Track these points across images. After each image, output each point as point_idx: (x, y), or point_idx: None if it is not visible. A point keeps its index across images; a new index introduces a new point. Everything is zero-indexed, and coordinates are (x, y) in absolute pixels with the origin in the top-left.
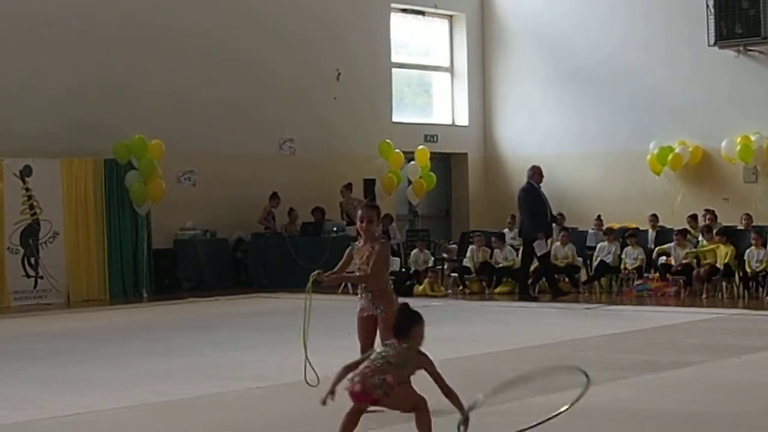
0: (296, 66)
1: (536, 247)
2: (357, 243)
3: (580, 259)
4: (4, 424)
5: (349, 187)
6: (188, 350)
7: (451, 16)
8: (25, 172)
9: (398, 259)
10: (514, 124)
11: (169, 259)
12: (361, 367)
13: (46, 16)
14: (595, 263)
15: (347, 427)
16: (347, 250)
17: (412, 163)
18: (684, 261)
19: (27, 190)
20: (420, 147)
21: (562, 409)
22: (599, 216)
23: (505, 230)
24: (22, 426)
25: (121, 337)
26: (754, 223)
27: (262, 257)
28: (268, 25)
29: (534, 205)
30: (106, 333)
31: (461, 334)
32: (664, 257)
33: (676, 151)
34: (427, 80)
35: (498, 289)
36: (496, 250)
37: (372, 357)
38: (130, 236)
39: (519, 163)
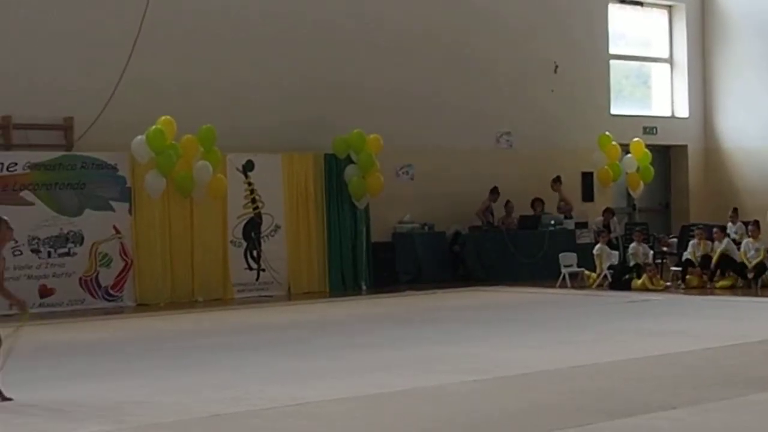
0: (513, 59)
1: None
2: None
3: None
4: (227, 413)
5: (558, 180)
6: (406, 342)
7: (670, 7)
8: (248, 167)
9: (617, 252)
10: (735, 116)
11: (388, 253)
12: None
13: (271, 16)
14: None
15: None
16: None
17: (629, 155)
18: None
19: (249, 184)
20: (636, 139)
21: None
22: None
23: (728, 224)
24: (245, 415)
25: (341, 329)
26: None
27: (480, 251)
28: (485, 18)
29: None
30: (325, 325)
31: (682, 329)
32: None
33: None
34: (646, 72)
35: (720, 283)
36: (717, 243)
37: None
38: (349, 230)
39: (741, 155)
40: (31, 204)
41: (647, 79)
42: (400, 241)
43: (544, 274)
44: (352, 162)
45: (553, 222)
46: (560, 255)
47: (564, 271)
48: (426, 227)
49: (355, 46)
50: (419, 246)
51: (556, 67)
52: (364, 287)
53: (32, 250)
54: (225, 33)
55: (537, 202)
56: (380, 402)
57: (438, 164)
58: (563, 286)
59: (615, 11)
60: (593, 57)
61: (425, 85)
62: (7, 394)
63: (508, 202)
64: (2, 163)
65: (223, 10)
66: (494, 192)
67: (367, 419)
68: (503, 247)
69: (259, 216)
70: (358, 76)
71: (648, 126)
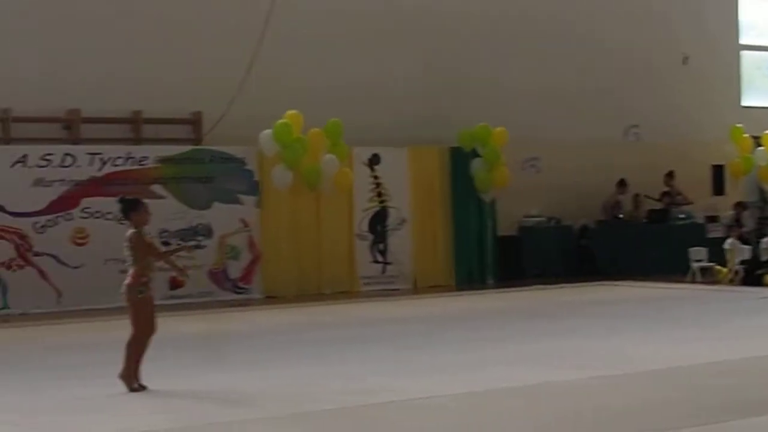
0: (642, 50)
1: None
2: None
3: None
4: (355, 405)
5: (671, 174)
6: (533, 337)
7: None
8: (374, 161)
9: (749, 247)
10: None
11: (514, 246)
12: None
13: (398, 10)
14: None
15: None
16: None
17: (760, 148)
18: None
19: (375, 177)
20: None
21: None
22: None
23: None
24: (375, 408)
25: (467, 322)
26: None
27: (608, 244)
28: (614, 9)
29: None
30: (451, 319)
31: None
32: None
33: None
34: None
35: None
36: None
37: None
38: (475, 223)
39: None
40: (161, 197)
41: None
42: (526, 235)
43: (674, 269)
44: (477, 155)
45: (682, 215)
46: (690, 249)
47: (694, 265)
48: (553, 221)
49: (481, 39)
50: (546, 240)
51: (686, 58)
52: (490, 281)
53: (162, 243)
54: (351, 27)
55: (666, 196)
56: (506, 396)
57: (565, 157)
58: (693, 281)
59: (746, 1)
60: (724, 48)
61: (552, 77)
62: (143, 383)
63: (636, 195)
64: (133, 157)
65: (349, 4)
66: (622, 185)
67: (493, 413)
68: (631, 241)
69: (385, 209)
70: (483, 69)
71: None
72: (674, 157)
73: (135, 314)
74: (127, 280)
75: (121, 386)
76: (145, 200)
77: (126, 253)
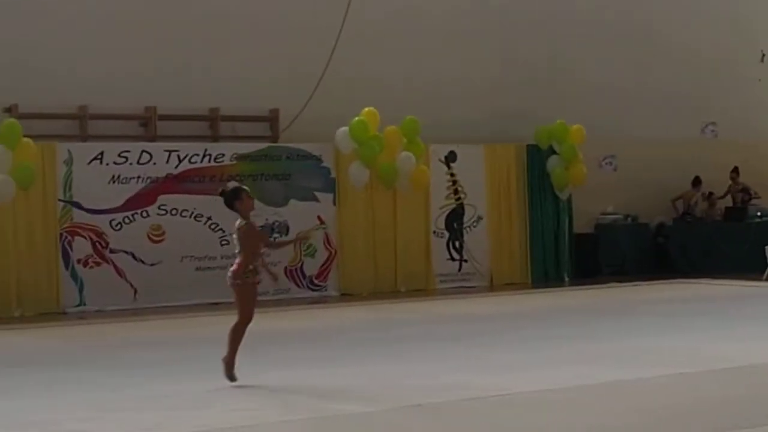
0: (719, 47)
1: None
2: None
3: None
4: (434, 402)
5: (736, 170)
6: (609, 334)
7: None
8: (450, 158)
9: None
10: None
11: (591, 244)
12: None
13: (473, 7)
14: None
15: None
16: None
17: None
18: None
19: (452, 175)
20: None
21: None
22: None
23: None
24: (452, 405)
25: (543, 320)
26: None
27: (684, 242)
28: (691, 5)
29: None
30: (527, 316)
31: None
32: None
33: None
34: None
35: None
36: None
37: None
38: (551, 221)
39: None
40: None
41: None
42: (603, 233)
43: (751, 267)
44: (554, 153)
45: (759, 213)
46: (767, 247)
47: None
48: (629, 218)
49: (558, 34)
50: (623, 237)
51: (764, 55)
52: (566, 279)
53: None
54: (427, 24)
55: (744, 192)
56: (581, 394)
57: (641, 154)
58: None
59: None
60: None
61: (628, 74)
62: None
63: (711, 193)
64: (210, 155)
65: (426, 1)
66: (696, 182)
67: (568, 411)
68: (708, 239)
69: (461, 207)
70: (560, 66)
71: None
72: (751, 154)
73: (239, 299)
74: (233, 267)
75: (204, 381)
76: (245, 186)
77: (235, 243)
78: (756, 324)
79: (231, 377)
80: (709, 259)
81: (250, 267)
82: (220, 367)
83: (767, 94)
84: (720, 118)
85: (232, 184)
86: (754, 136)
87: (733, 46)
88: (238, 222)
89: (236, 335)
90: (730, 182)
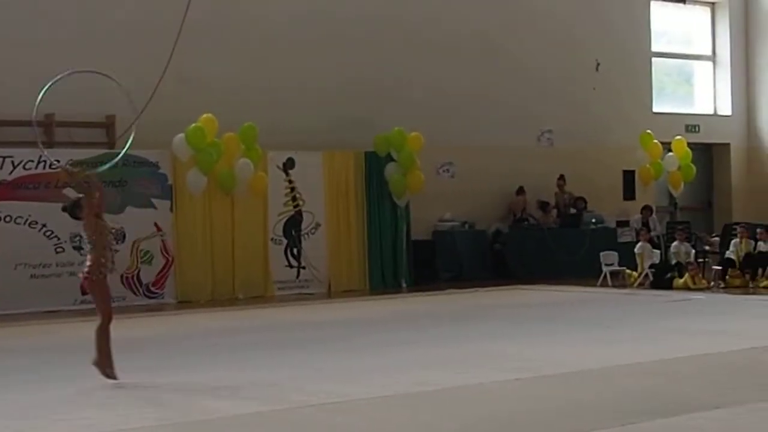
0: (555, 56)
1: None
2: None
3: None
4: (268, 410)
5: (562, 178)
6: (447, 340)
7: (713, 4)
8: (289, 165)
9: (658, 251)
10: None
11: (428, 251)
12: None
13: (311, 15)
14: None
15: None
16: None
17: (670, 153)
18: None
19: (290, 182)
20: (679, 137)
21: None
22: None
23: None
24: (285, 413)
25: (381, 326)
26: None
27: (521, 249)
28: (527, 15)
29: None
30: (366, 323)
31: (724, 328)
32: None
33: None
34: (688, 69)
35: (764, 283)
36: (760, 242)
37: None
38: (389, 227)
39: None
40: None
41: (690, 76)
42: (440, 239)
43: (586, 273)
44: (392, 160)
45: (594, 220)
46: (601, 253)
47: (605, 269)
48: (467, 225)
49: (396, 44)
50: (460, 244)
51: (598, 64)
52: (404, 285)
53: (74, 247)
54: (266, 31)
55: (579, 201)
56: (420, 400)
57: (479, 162)
58: (604, 284)
59: (657, 8)
60: (635, 54)
61: (466, 83)
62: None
63: (545, 202)
64: (45, 161)
65: (264, 8)
66: (521, 191)
67: (407, 417)
68: (544, 245)
69: (299, 214)
70: (399, 75)
71: (690, 124)
72: (586, 162)
73: (98, 296)
74: (88, 263)
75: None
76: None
77: (85, 242)
78: (591, 329)
79: (110, 375)
80: (546, 265)
81: (102, 260)
82: (93, 371)
83: (602, 103)
84: (556, 126)
85: (68, 200)
86: (588, 144)
87: (570, 55)
88: (84, 222)
89: (102, 335)
90: (556, 190)
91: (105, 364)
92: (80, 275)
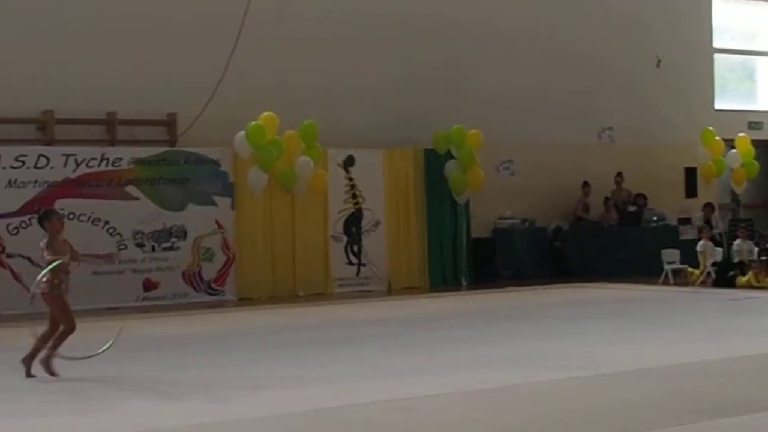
0: (617, 53)
1: None
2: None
3: None
4: (328, 407)
5: (620, 175)
6: (505, 338)
7: None
8: (349, 163)
9: (721, 249)
10: None
11: (488, 248)
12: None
13: (373, 12)
14: None
15: None
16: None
17: (733, 150)
18: None
19: (350, 179)
20: (741, 134)
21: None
22: None
23: None
24: (346, 410)
25: (440, 324)
26: None
27: (581, 246)
28: (588, 11)
29: None
30: (424, 320)
31: None
32: None
33: None
34: (751, 65)
35: None
36: None
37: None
38: (449, 225)
39: None
40: (136, 199)
41: (752, 73)
42: (500, 237)
43: (647, 271)
44: (452, 157)
45: (655, 218)
46: (663, 251)
47: (667, 267)
48: (527, 223)
49: (458, 41)
50: (520, 241)
51: (659, 61)
52: (464, 283)
53: (137, 245)
54: (326, 29)
55: (639, 197)
56: (479, 398)
57: (539, 159)
58: (666, 283)
59: (719, 5)
60: (697, 51)
61: (527, 80)
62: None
63: (607, 198)
64: (107, 159)
65: (324, 5)
66: (585, 186)
67: (465, 415)
68: (604, 242)
69: (359, 211)
70: (459, 72)
71: (753, 121)
72: (647, 159)
73: (59, 310)
74: (45, 280)
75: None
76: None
77: (43, 258)
78: (653, 327)
79: (30, 376)
80: (606, 263)
81: (56, 281)
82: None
83: (664, 100)
84: (616, 123)
85: (45, 207)
86: (649, 141)
87: (631, 52)
88: (43, 242)
89: (59, 340)
90: (614, 187)
91: (30, 362)
92: (39, 289)
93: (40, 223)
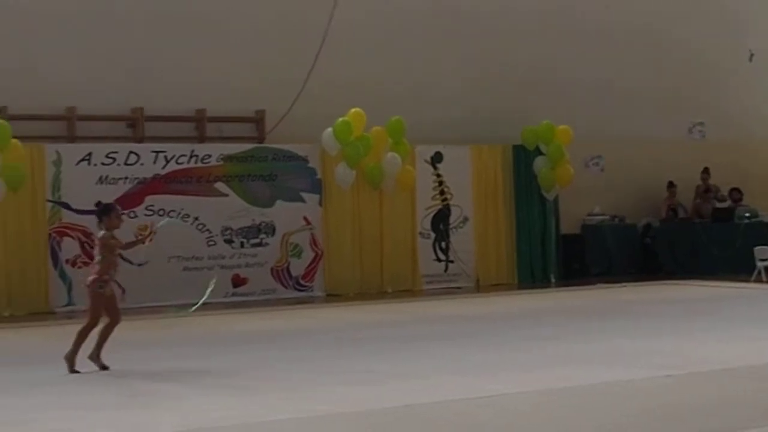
0: (709, 47)
1: None
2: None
3: None
4: (418, 403)
5: (707, 171)
6: (596, 336)
7: None
8: (436, 159)
9: None
10: None
11: (577, 245)
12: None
13: (460, 9)
14: None
15: None
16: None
17: None
18: None
19: (438, 176)
20: None
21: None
22: None
23: None
24: (435, 407)
25: (529, 321)
26: None
27: (672, 243)
28: (679, 5)
29: None
30: (514, 317)
31: None
32: None
33: None
34: None
35: None
36: None
37: None
38: (538, 221)
39: None
40: (225, 195)
41: None
42: (589, 234)
43: (739, 268)
44: (541, 153)
45: (748, 214)
46: (756, 248)
47: (759, 265)
48: (616, 219)
49: (545, 36)
50: (609, 238)
51: (752, 55)
52: (553, 280)
53: (225, 241)
54: (413, 25)
55: (734, 192)
56: (567, 395)
57: (628, 155)
58: (759, 280)
59: None
60: None
61: (616, 75)
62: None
63: (707, 190)
64: (197, 155)
65: (413, 1)
66: (671, 186)
67: (554, 413)
68: (696, 239)
69: (447, 208)
70: (547, 67)
71: None
72: (740, 154)
73: (91, 304)
74: (92, 276)
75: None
76: (118, 207)
77: (96, 252)
78: (745, 325)
79: (72, 370)
80: (697, 260)
81: (105, 277)
82: (63, 365)
83: (756, 95)
84: (707, 118)
85: (106, 203)
86: (742, 136)
87: (722, 46)
88: (101, 233)
89: (81, 336)
90: (699, 182)
91: (73, 360)
92: (86, 282)
93: (99, 217)
